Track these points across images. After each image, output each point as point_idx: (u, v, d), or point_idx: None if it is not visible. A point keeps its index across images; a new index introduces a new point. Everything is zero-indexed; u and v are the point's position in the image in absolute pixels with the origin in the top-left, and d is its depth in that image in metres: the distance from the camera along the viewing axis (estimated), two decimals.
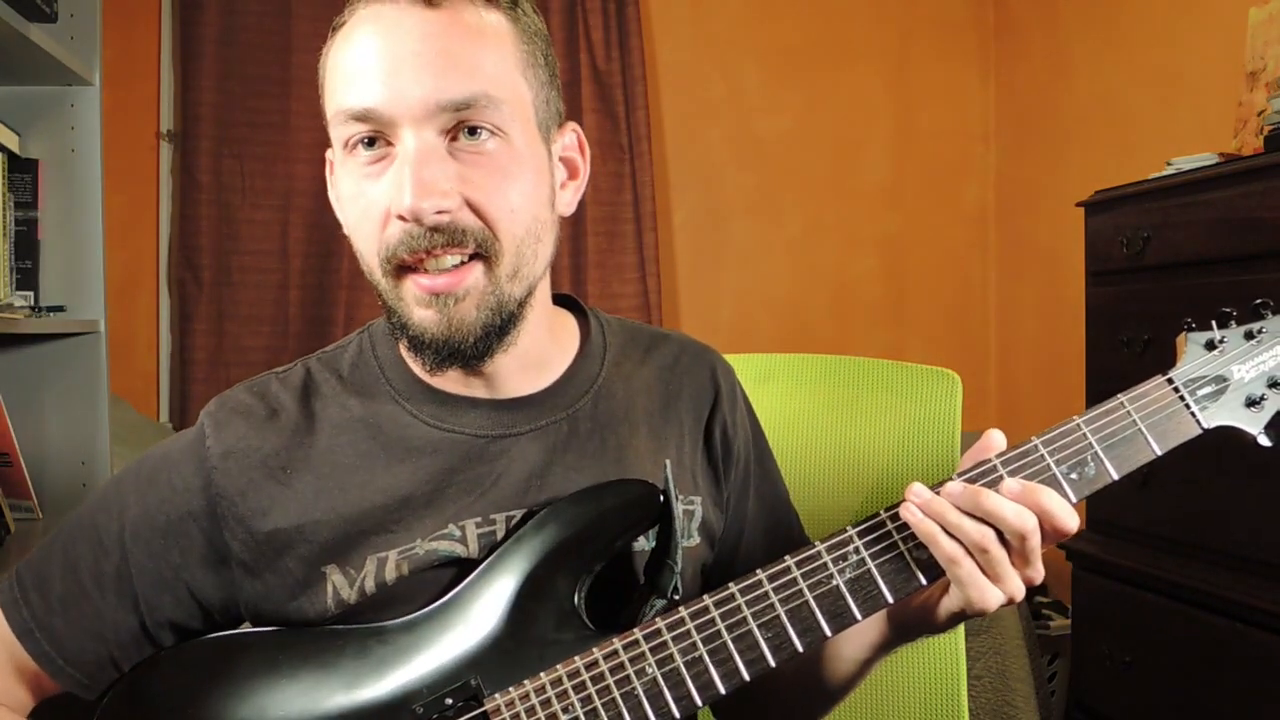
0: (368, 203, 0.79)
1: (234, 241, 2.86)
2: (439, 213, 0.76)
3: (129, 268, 2.85)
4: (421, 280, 0.78)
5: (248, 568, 0.82)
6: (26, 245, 1.79)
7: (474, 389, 0.86)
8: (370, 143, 0.78)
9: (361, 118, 0.77)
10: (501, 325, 0.81)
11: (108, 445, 1.87)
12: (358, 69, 0.77)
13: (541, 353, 0.89)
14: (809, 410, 1.24)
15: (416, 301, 0.79)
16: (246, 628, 0.85)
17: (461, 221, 0.77)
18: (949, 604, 0.78)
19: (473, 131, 0.77)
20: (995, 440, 0.79)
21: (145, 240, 2.90)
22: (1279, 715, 1.60)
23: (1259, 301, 0.84)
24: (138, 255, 2.88)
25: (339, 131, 0.80)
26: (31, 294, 1.79)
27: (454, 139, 0.78)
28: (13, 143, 1.77)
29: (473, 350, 0.80)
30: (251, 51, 2.86)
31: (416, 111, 0.76)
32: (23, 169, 1.79)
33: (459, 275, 0.78)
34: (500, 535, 0.83)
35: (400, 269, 0.79)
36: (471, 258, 0.79)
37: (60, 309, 1.82)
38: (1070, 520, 0.75)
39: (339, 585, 0.81)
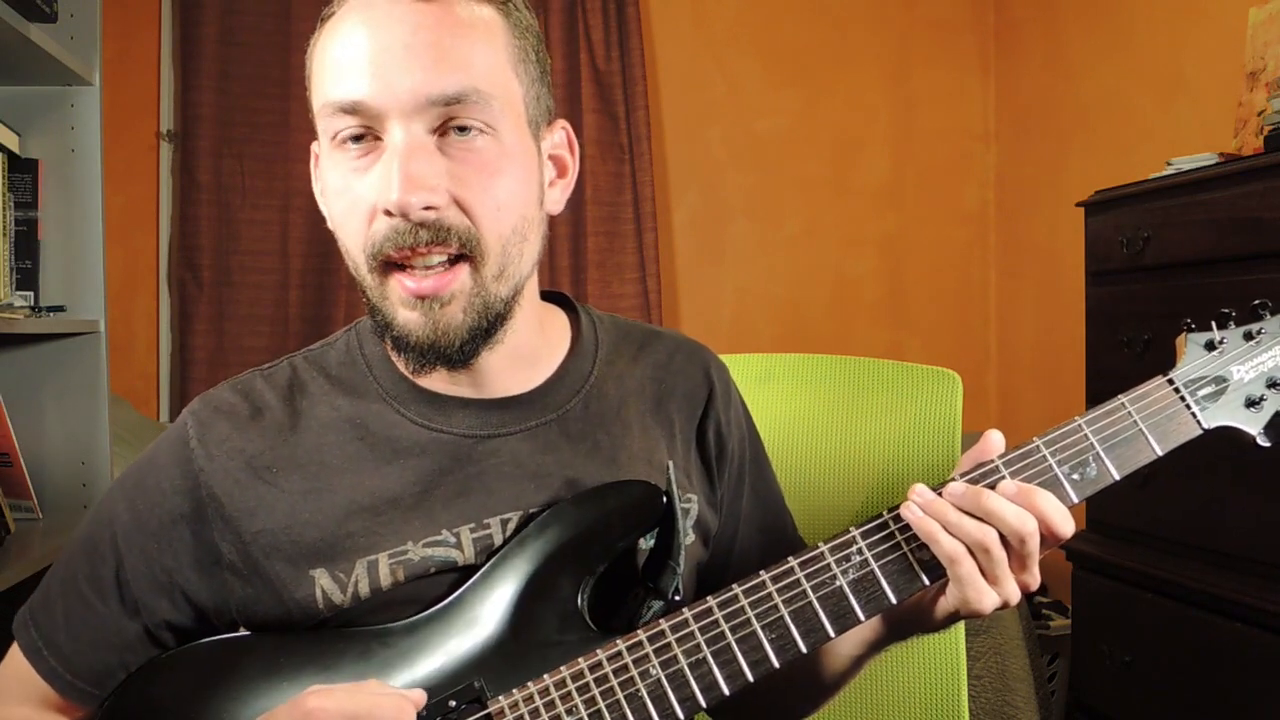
0: (354, 198, 0.78)
1: (234, 241, 2.86)
2: (426, 208, 0.75)
3: (129, 268, 2.85)
4: (407, 282, 0.77)
5: (237, 571, 0.82)
6: (26, 245, 1.79)
7: (461, 388, 0.85)
8: (358, 138, 0.77)
9: (350, 110, 0.76)
10: (488, 327, 0.80)
11: (108, 445, 1.87)
12: (346, 60, 0.76)
13: (532, 349, 0.88)
14: (809, 410, 1.24)
15: (402, 303, 0.78)
16: (244, 631, 0.85)
17: (448, 220, 0.76)
18: (945, 604, 0.79)
19: (462, 129, 0.77)
20: (994, 442, 0.79)
21: (145, 240, 2.90)
22: (1279, 715, 1.60)
23: (1258, 302, 0.84)
24: (138, 255, 2.88)
25: (326, 124, 0.78)
26: (31, 294, 1.79)
27: (443, 135, 0.77)
28: (13, 143, 1.77)
29: (458, 354, 0.79)
30: (251, 51, 2.86)
31: (406, 104, 0.75)
32: (23, 169, 1.79)
33: (445, 278, 0.77)
34: (496, 539, 0.83)
35: (386, 266, 0.78)
36: (457, 258, 0.78)
37: (60, 309, 1.82)
38: (1065, 524, 0.75)
39: (328, 590, 0.80)
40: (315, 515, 0.81)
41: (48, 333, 1.80)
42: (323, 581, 0.80)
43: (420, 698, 0.74)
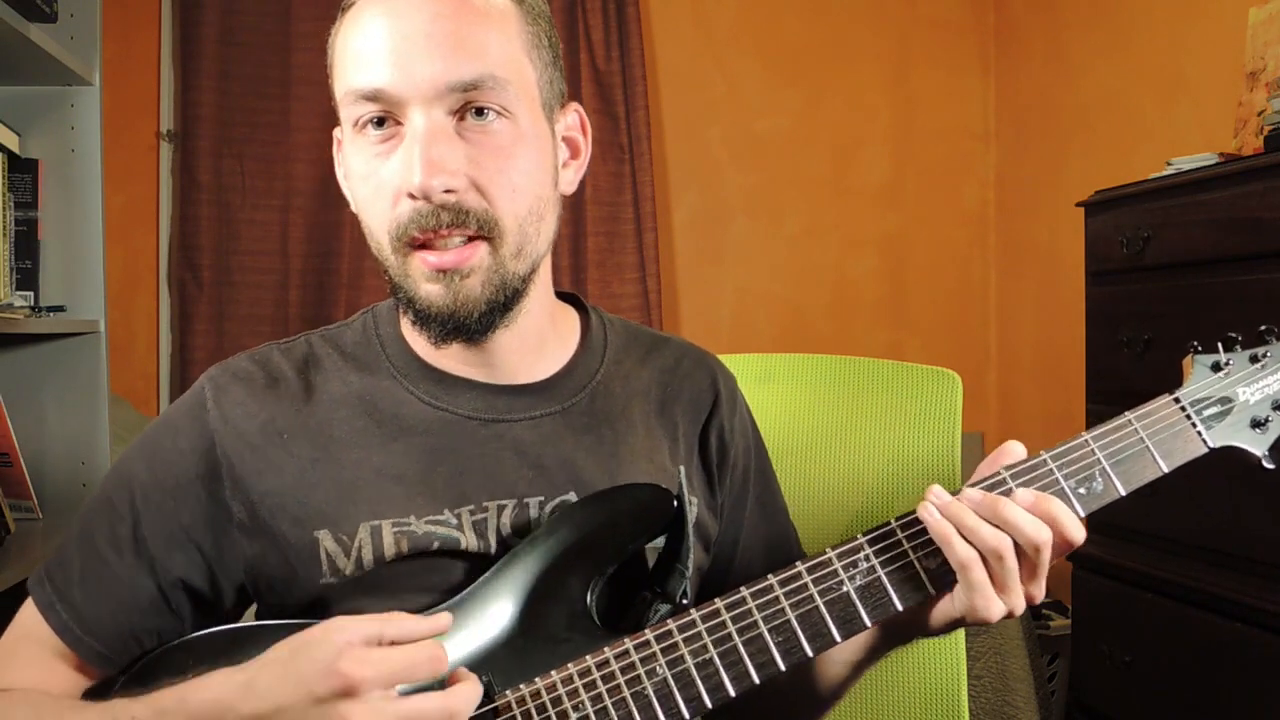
0: (379, 182, 0.81)
1: (234, 241, 2.86)
2: (447, 191, 0.78)
3: (129, 268, 2.85)
4: (429, 257, 0.80)
5: (245, 529, 0.83)
6: (26, 245, 1.79)
7: (473, 369, 0.88)
8: (380, 123, 0.80)
9: (371, 98, 0.79)
10: (505, 301, 0.83)
11: (108, 445, 1.87)
12: (367, 49, 0.79)
13: (542, 334, 0.90)
14: (809, 410, 1.24)
15: (424, 277, 0.81)
16: (252, 613, 0.86)
17: (466, 203, 0.79)
18: (949, 610, 0.79)
19: (480, 112, 0.79)
20: (1014, 451, 0.80)
21: (145, 240, 2.90)
22: (1279, 715, 1.60)
23: (1264, 328, 0.86)
24: (138, 255, 2.88)
25: (349, 111, 0.82)
26: (31, 294, 1.79)
27: (461, 119, 0.80)
28: (13, 143, 1.77)
29: (477, 325, 0.82)
30: (251, 51, 2.86)
31: (426, 92, 0.78)
32: (23, 169, 1.79)
33: (465, 252, 0.80)
34: (492, 522, 0.84)
35: (409, 245, 0.81)
36: (475, 237, 0.80)
37: (60, 309, 1.82)
38: (1078, 532, 0.77)
39: (333, 553, 0.81)
40: (322, 481, 0.83)
41: (48, 333, 1.80)
42: (326, 543, 0.82)
43: (476, 694, 0.73)
